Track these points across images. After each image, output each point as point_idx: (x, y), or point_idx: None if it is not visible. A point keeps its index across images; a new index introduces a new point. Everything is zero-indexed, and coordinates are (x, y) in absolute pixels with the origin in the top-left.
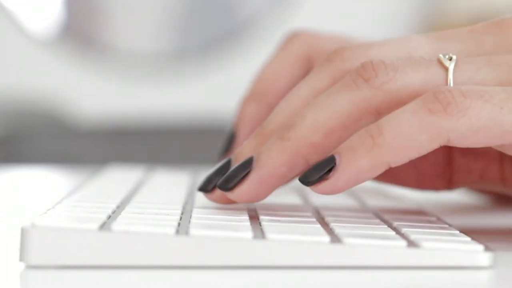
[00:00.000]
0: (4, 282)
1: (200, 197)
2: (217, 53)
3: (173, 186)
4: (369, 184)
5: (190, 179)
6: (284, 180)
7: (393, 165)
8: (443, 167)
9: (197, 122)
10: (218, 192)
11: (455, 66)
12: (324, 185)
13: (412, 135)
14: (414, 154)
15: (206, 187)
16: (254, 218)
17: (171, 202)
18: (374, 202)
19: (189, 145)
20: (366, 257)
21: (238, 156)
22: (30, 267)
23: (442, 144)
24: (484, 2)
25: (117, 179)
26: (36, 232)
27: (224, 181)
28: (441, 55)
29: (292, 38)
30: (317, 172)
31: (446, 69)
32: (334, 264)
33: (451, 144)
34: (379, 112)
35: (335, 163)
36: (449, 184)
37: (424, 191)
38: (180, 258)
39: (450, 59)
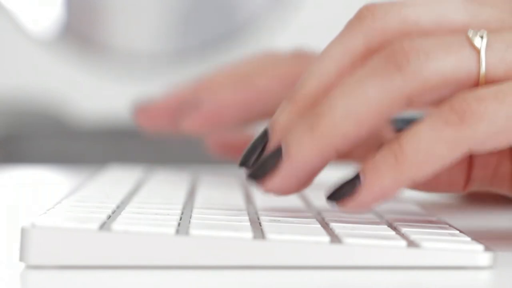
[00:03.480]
0: (4, 282)
1: (200, 197)
2: (216, 53)
3: (173, 186)
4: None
5: (190, 179)
6: (315, 171)
7: (417, 180)
8: (466, 159)
9: None
10: (279, 180)
11: (486, 46)
12: (349, 202)
13: (432, 150)
14: (437, 167)
15: (247, 162)
16: (254, 218)
17: (171, 202)
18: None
19: (189, 145)
20: (366, 257)
21: (274, 125)
22: (30, 267)
23: (464, 154)
24: None
25: (117, 179)
26: (36, 232)
27: (254, 173)
28: (471, 33)
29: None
30: (343, 190)
31: (477, 52)
32: (334, 264)
33: (473, 153)
34: (411, 99)
35: (360, 182)
36: (466, 182)
37: (438, 192)
38: (180, 258)
39: (481, 36)
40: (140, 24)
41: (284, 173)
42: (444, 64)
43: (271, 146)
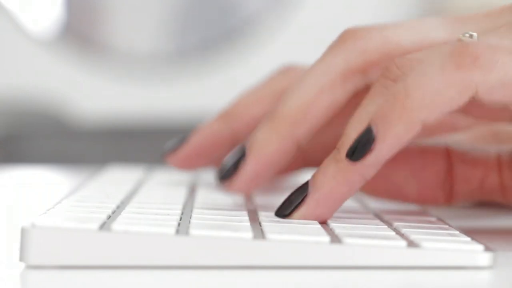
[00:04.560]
0: (4, 282)
1: (200, 197)
2: (216, 53)
3: (173, 186)
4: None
5: (190, 179)
6: (348, 196)
7: (427, 122)
8: (443, 176)
9: (197, 122)
10: (237, 180)
11: (478, 39)
12: (369, 157)
13: (442, 92)
14: (446, 109)
15: (225, 177)
16: (254, 218)
17: (171, 202)
18: (374, 202)
19: None
20: (366, 257)
21: (253, 143)
22: (30, 267)
23: (471, 97)
24: (483, 0)
25: (117, 179)
26: (36, 232)
27: (280, 210)
28: (461, 35)
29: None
30: (361, 148)
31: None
32: (334, 264)
33: (478, 98)
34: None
35: (373, 135)
36: (449, 196)
37: (425, 206)
38: (180, 258)
39: (471, 36)
40: (140, 24)
41: (310, 204)
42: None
43: (248, 163)
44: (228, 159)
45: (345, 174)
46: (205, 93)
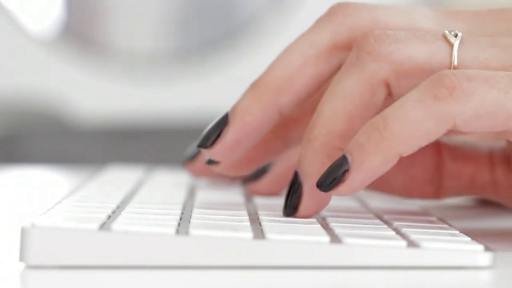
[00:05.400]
0: (4, 282)
1: (200, 197)
2: (217, 53)
3: (173, 186)
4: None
5: (190, 179)
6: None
7: (404, 155)
8: (432, 171)
9: (197, 122)
10: (218, 147)
11: (460, 43)
12: (342, 187)
13: (419, 124)
14: (423, 141)
15: (205, 143)
16: (254, 218)
17: (171, 202)
18: (374, 202)
19: (189, 145)
20: (366, 257)
21: (235, 110)
22: (30, 267)
23: (449, 129)
24: (483, 0)
25: (117, 179)
26: (36, 232)
27: (287, 208)
28: (446, 31)
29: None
30: (332, 175)
31: (451, 45)
32: (334, 264)
33: (457, 129)
34: (388, 83)
35: (348, 164)
36: (438, 190)
37: (413, 199)
38: (180, 258)
39: (456, 35)
40: (140, 24)
41: (307, 195)
42: (416, 50)
43: (230, 129)
44: (210, 126)
45: (324, 153)
46: (205, 93)
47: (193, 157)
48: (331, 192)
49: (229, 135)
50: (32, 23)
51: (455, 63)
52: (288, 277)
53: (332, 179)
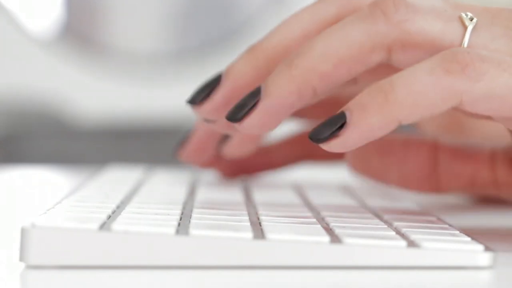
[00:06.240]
0: (4, 282)
1: (200, 197)
2: (216, 53)
3: (173, 186)
4: (369, 184)
5: (190, 179)
6: (292, 110)
7: (404, 123)
8: (427, 170)
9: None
10: (206, 106)
11: (473, 28)
12: (334, 142)
13: (426, 94)
14: (426, 113)
15: (195, 100)
16: (254, 218)
17: (171, 202)
18: (374, 202)
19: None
20: (366, 257)
21: (229, 72)
22: (30, 267)
23: (454, 106)
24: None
25: (117, 179)
26: (36, 232)
27: (232, 112)
28: (463, 14)
29: None
30: (328, 129)
31: (465, 28)
32: (334, 264)
33: (462, 107)
34: (391, 49)
35: (346, 120)
36: (436, 187)
37: (409, 191)
38: (180, 258)
39: (471, 19)
40: (140, 24)
41: (261, 111)
42: (430, 26)
43: (221, 89)
44: (202, 84)
45: (298, 83)
46: None
47: (182, 143)
48: (323, 145)
49: (218, 95)
50: (32, 23)
51: (465, 46)
52: (288, 277)
53: (326, 132)
